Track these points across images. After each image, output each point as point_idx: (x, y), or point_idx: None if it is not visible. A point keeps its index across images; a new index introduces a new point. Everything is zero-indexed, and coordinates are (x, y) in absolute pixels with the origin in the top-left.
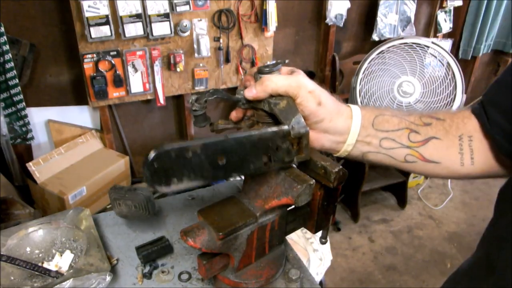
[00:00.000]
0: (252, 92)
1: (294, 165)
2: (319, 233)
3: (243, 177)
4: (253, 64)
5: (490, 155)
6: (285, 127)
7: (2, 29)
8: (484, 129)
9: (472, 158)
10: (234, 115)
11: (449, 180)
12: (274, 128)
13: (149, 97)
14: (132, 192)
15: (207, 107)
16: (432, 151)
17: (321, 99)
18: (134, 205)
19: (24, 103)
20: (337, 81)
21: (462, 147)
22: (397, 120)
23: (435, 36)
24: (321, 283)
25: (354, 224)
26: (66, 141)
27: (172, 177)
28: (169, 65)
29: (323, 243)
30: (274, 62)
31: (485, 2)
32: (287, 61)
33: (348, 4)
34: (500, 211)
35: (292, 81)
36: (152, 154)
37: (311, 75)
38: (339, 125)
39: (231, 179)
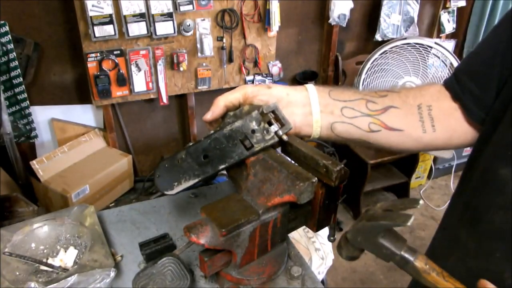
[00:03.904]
0: (208, 115)
1: (284, 139)
2: (322, 233)
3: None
4: (256, 63)
5: (453, 123)
6: (254, 112)
7: (7, 28)
8: (454, 96)
9: (433, 125)
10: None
11: (451, 181)
12: (240, 121)
13: (152, 96)
14: (158, 266)
15: None
16: (393, 118)
17: (268, 84)
18: (169, 279)
19: (28, 102)
20: (340, 81)
21: (422, 116)
22: (351, 92)
23: (438, 36)
24: (322, 282)
25: None
26: (69, 140)
27: (172, 182)
28: (172, 64)
29: (331, 241)
30: None
31: (490, 2)
32: None
33: (351, 4)
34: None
35: (237, 89)
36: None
37: (313, 75)
38: (297, 96)
39: (220, 169)
